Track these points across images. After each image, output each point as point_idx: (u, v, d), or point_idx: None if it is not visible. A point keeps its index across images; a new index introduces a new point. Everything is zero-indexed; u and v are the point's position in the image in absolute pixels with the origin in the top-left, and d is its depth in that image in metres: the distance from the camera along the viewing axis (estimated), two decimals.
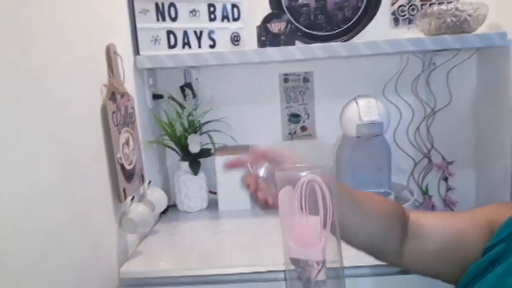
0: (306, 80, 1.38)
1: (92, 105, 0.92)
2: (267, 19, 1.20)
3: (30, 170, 0.67)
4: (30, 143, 0.68)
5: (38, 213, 0.68)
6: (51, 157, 0.73)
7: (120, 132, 1.00)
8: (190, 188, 1.29)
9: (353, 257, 0.91)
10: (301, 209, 0.55)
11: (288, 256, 0.58)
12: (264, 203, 0.65)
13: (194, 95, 1.32)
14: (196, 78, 1.37)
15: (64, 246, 0.76)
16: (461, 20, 1.13)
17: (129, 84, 1.14)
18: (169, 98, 1.30)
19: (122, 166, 0.99)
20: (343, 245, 0.63)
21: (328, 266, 0.57)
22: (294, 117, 1.40)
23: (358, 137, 1.16)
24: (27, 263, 0.65)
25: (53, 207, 0.73)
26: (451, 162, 1.34)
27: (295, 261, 0.57)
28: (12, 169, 0.63)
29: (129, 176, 1.03)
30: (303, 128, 1.41)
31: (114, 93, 0.99)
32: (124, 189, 0.99)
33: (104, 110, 0.95)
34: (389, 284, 0.93)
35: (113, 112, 0.98)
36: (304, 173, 0.56)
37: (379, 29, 1.32)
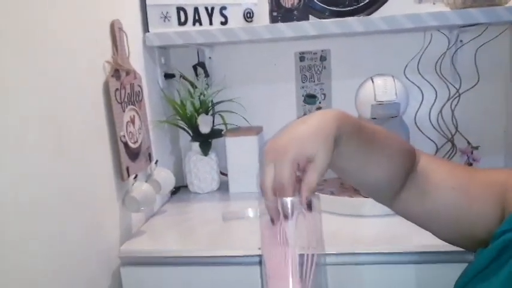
0: (323, 58, 1.32)
1: (93, 82, 0.90)
2: None
3: (17, 143, 0.66)
4: (20, 117, 0.67)
5: (25, 188, 0.68)
6: (43, 132, 0.72)
7: (124, 110, 0.99)
8: (201, 169, 1.27)
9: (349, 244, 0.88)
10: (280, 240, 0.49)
11: None
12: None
13: (207, 75, 1.29)
14: (210, 57, 1.34)
15: (58, 222, 0.75)
16: None
17: (138, 62, 1.13)
18: (180, 77, 1.28)
19: (126, 144, 0.98)
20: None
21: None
22: (310, 98, 1.35)
23: (374, 118, 1.10)
24: (15, 236, 0.65)
25: (45, 182, 0.72)
26: (476, 147, 1.26)
27: None
28: None
29: (133, 154, 1.02)
30: (319, 110, 1.35)
31: (118, 71, 0.98)
32: (127, 168, 0.98)
33: (106, 86, 0.93)
34: (390, 272, 0.88)
35: (116, 89, 0.96)
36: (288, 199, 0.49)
37: (402, 4, 1.24)
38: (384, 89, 1.08)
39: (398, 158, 0.58)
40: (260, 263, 0.89)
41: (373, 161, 0.57)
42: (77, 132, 0.82)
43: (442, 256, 0.85)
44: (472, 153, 1.25)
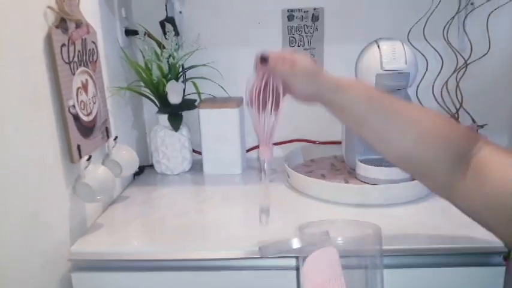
0: (315, 18, 1.13)
1: (31, 33, 0.68)
2: None
3: None
4: None
5: None
6: None
7: (73, 73, 0.77)
8: (170, 147, 1.07)
9: None
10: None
11: None
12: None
13: (177, 33, 1.07)
14: (180, 12, 1.12)
15: None
16: None
17: (92, 13, 0.91)
18: (145, 34, 1.05)
19: (76, 117, 0.77)
20: None
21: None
22: None
23: None
24: None
25: None
26: (482, 126, 1.13)
27: None
28: None
29: (86, 130, 0.81)
30: None
31: (65, 21, 0.75)
32: (78, 147, 0.77)
33: (48, 40, 0.71)
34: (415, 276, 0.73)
35: (63, 45, 0.74)
36: None
37: None
38: (392, 55, 0.91)
39: (437, 134, 0.58)
40: (245, 268, 0.73)
41: (399, 127, 0.59)
42: (9, 102, 0.61)
43: (453, 258, 0.72)
44: (477, 131, 1.12)
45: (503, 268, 0.72)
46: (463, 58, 1.11)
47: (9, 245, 0.61)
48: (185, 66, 1.09)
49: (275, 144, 1.22)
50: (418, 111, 0.61)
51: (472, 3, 1.09)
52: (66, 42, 0.75)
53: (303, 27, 1.13)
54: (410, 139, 0.58)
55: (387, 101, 0.61)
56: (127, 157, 0.93)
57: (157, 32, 1.07)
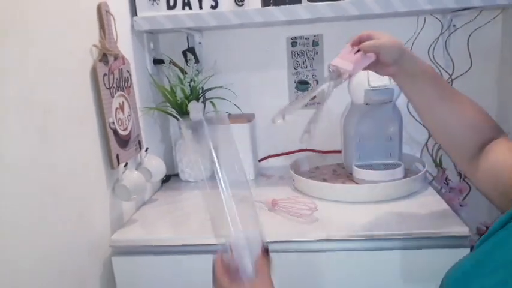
0: (315, 43, 1.30)
1: (80, 66, 0.87)
2: None
3: None
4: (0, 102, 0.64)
5: (13, 177, 0.65)
6: (26, 118, 0.69)
7: (112, 96, 0.96)
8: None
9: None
10: None
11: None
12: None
13: (197, 60, 1.25)
14: (200, 43, 1.31)
15: (43, 212, 0.73)
16: None
17: (127, 47, 1.10)
18: (170, 62, 1.24)
19: (115, 132, 0.95)
20: None
21: None
22: (302, 85, 1.33)
23: (367, 104, 1.08)
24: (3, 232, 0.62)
25: (31, 173, 0.69)
26: None
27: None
28: None
29: (123, 142, 0.99)
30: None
31: (106, 55, 0.95)
32: (117, 156, 0.96)
33: (93, 71, 0.90)
34: (382, 258, 0.87)
35: (104, 74, 0.93)
36: None
37: None
38: (377, 74, 1.06)
39: (474, 118, 0.75)
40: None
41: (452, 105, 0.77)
42: (63, 119, 0.80)
43: (433, 241, 0.85)
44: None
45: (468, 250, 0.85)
46: (448, 74, 1.25)
47: (63, 235, 0.78)
48: (204, 89, 1.27)
49: (283, 154, 1.38)
50: (467, 101, 0.78)
51: (454, 25, 1.23)
52: (107, 72, 0.94)
53: (305, 52, 1.30)
54: (457, 118, 0.76)
55: (448, 89, 0.79)
56: (156, 165, 1.11)
57: (180, 60, 1.26)
